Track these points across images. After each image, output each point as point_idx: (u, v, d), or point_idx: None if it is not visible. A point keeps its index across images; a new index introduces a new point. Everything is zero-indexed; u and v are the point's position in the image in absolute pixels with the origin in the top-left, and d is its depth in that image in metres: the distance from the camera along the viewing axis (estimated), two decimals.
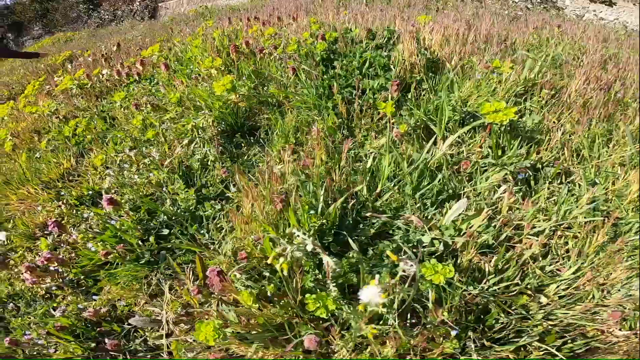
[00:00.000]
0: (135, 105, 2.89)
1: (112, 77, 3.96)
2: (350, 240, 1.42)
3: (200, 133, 2.24)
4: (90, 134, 2.92)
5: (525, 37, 3.61)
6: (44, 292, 1.83)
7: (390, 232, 1.65)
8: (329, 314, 1.22)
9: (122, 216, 1.84)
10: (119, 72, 3.73)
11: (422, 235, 1.61)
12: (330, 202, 1.63)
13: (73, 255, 1.88)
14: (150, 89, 3.36)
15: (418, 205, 1.75)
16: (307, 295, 1.20)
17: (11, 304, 1.84)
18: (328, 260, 1.20)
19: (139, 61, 3.68)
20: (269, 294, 1.29)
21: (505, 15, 4.88)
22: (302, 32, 3.90)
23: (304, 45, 2.93)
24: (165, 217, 1.86)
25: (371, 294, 0.97)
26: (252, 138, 2.36)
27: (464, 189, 1.83)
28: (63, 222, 2.08)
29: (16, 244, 2.17)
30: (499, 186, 1.87)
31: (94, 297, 1.68)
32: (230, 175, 1.97)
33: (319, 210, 1.50)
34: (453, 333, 1.28)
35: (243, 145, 2.29)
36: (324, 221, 1.48)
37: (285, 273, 1.14)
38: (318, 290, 1.36)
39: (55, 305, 1.74)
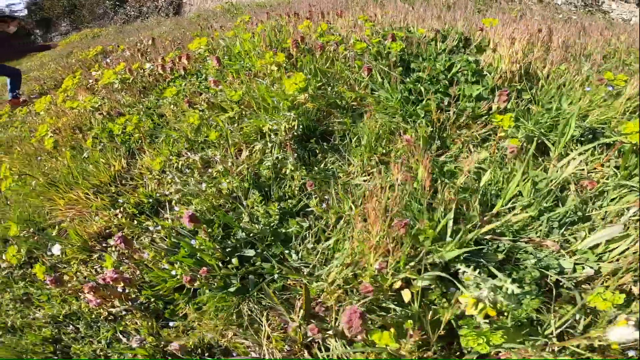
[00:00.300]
0: (188, 103, 2.66)
1: (155, 71, 3.75)
2: (494, 270, 1.17)
3: (272, 137, 2.00)
4: (138, 133, 2.70)
5: (598, 45, 3.29)
6: (106, 313, 1.60)
7: (518, 256, 1.39)
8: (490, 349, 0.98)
9: (196, 231, 1.60)
10: (163, 67, 3.51)
11: (557, 259, 1.36)
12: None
13: (137, 272, 1.65)
14: (198, 84, 3.13)
15: (542, 227, 1.49)
16: (466, 331, 0.95)
17: (70, 326, 1.62)
18: (485, 294, 0.94)
19: (184, 55, 3.45)
20: (410, 331, 1.04)
21: (560, 20, 4.56)
22: (351, 29, 3.64)
23: (370, 43, 2.66)
24: (243, 234, 1.62)
25: (623, 333, 0.83)
26: (325, 144, 2.10)
27: (591, 211, 1.56)
28: (124, 233, 1.85)
29: (69, 255, 1.95)
30: (628, 209, 1.60)
31: (170, 322, 1.45)
32: (317, 188, 1.72)
33: (449, 234, 1.24)
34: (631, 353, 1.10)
35: (318, 151, 2.04)
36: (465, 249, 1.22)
37: (480, 319, 0.90)
38: (452, 321, 1.11)
39: (121, 328, 1.51)
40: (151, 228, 1.75)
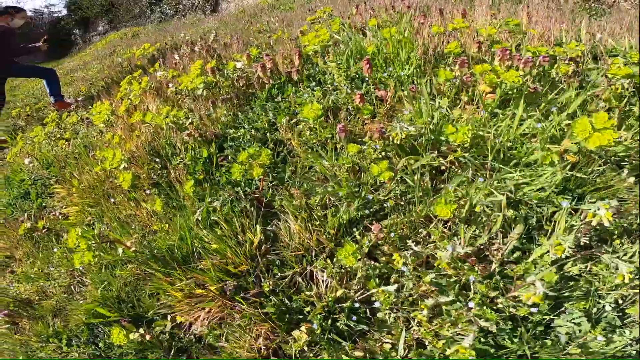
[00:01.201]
0: (342, 131, 1.61)
1: (246, 73, 2.72)
2: None
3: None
4: (258, 172, 1.67)
5: None
6: None
7: None
8: None
9: None
10: (263, 67, 2.45)
11: None
12: None
13: None
14: (330, 97, 2.07)
15: None
16: None
17: None
18: None
19: (295, 53, 2.39)
20: None
21: None
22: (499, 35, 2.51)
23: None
24: None
25: None
26: None
27: None
28: None
29: None
30: None
31: None
32: None
33: None
34: None
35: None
36: None
37: None
38: None
39: None
40: None
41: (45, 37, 5.12)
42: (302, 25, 4.81)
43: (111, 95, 4.42)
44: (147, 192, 1.92)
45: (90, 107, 4.89)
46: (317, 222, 1.43)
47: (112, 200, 2.05)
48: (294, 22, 5.54)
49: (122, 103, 3.20)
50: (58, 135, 4.07)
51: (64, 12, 17.81)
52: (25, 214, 2.78)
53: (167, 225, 1.81)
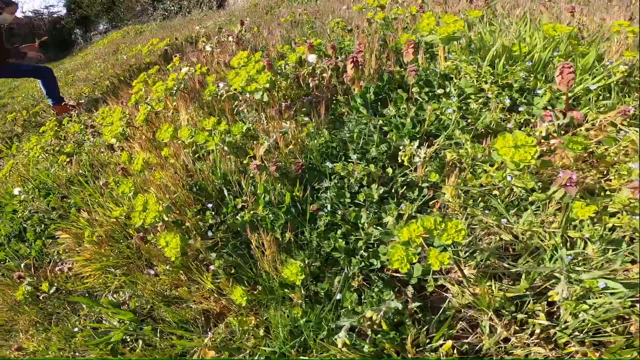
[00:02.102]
0: (573, 184, 0.82)
1: (317, 69, 1.92)
2: None
3: None
4: (444, 262, 0.89)
5: None
6: None
7: None
8: None
9: None
10: (355, 62, 1.61)
11: None
12: None
13: None
14: (484, 117, 1.28)
15: None
16: None
17: None
18: None
19: (408, 45, 1.58)
20: None
21: None
22: None
23: None
24: None
25: None
26: None
27: None
28: None
29: None
30: None
31: None
32: None
33: None
34: None
35: None
36: None
37: None
38: None
39: None
40: None
41: (43, 38, 4.29)
42: (336, 17, 4.00)
43: (119, 97, 3.58)
44: (210, 266, 1.13)
45: (94, 110, 4.07)
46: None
47: (152, 271, 1.24)
48: (326, 13, 4.71)
49: (140, 110, 2.37)
50: (57, 149, 3.23)
51: (64, 11, 16.79)
52: (23, 264, 1.97)
53: (253, 318, 1.03)
